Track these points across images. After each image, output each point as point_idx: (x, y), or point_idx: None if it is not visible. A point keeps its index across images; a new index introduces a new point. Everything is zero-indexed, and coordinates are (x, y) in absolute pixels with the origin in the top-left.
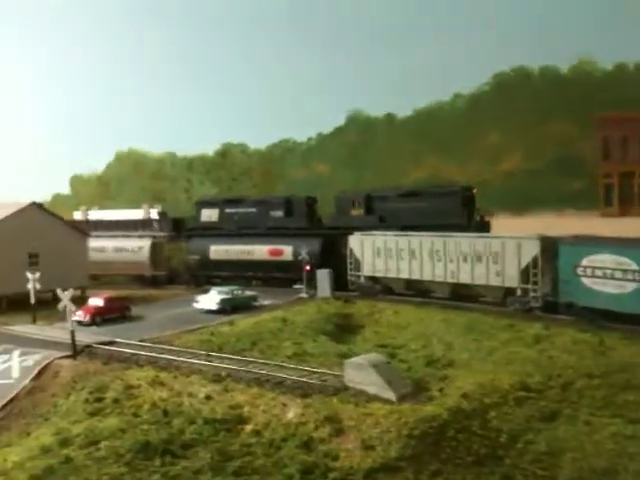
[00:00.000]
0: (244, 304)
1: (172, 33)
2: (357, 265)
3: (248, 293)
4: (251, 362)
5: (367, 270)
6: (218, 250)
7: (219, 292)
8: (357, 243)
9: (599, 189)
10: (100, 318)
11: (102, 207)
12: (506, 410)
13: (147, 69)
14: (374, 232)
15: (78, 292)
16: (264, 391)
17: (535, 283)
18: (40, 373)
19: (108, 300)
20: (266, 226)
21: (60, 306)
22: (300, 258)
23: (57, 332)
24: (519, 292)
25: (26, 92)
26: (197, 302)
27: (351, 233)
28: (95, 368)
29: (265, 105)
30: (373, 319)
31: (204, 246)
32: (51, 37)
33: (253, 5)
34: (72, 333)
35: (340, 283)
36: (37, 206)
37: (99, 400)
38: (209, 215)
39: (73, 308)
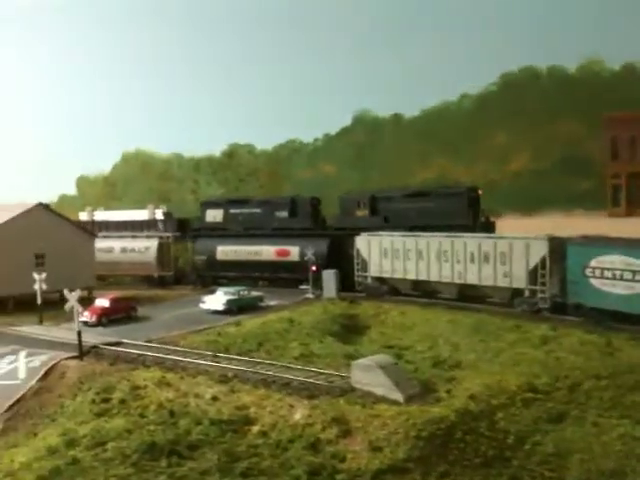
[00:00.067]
0: (250, 305)
1: (179, 33)
2: (364, 266)
3: (254, 294)
4: (258, 363)
5: (374, 271)
6: (225, 250)
7: (225, 293)
8: (364, 244)
9: (607, 189)
10: (106, 319)
11: (108, 208)
12: (513, 411)
13: (154, 70)
14: (381, 233)
15: (85, 293)
16: (271, 392)
17: (543, 284)
18: (47, 374)
19: (114, 301)
20: (271, 227)
21: (67, 307)
22: (306, 259)
23: (64, 333)
24: (527, 293)
25: (32, 93)
26: (203, 302)
27: (358, 234)
28: (102, 369)
29: (272, 106)
30: (379, 320)
31: (211, 246)
32: (57, 37)
33: (259, 5)
34: (79, 334)
35: (347, 284)
36: (44, 207)
37: (106, 401)
38: (214, 216)
39: (80, 309)
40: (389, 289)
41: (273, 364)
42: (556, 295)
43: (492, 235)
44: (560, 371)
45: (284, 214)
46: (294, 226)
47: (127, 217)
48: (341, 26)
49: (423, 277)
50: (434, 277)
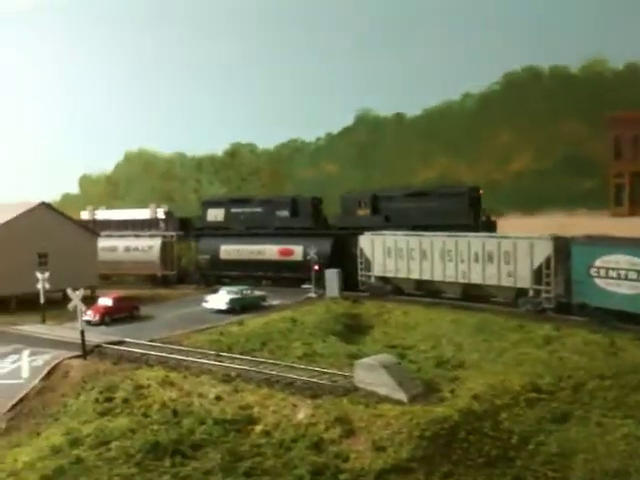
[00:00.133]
0: (253, 304)
1: (180, 33)
2: (367, 265)
3: (257, 293)
4: (261, 362)
5: (378, 270)
6: (229, 250)
7: (228, 292)
8: (367, 243)
9: (610, 189)
10: (109, 318)
11: (110, 207)
12: (517, 411)
13: (156, 69)
14: (385, 232)
15: (88, 292)
16: (274, 392)
17: (548, 284)
18: (50, 373)
19: (117, 300)
20: (272, 226)
21: (70, 306)
22: (309, 258)
23: (66, 332)
24: (531, 293)
25: (35, 93)
26: (206, 302)
27: (361, 233)
28: (105, 368)
29: (274, 105)
30: (382, 319)
31: (214, 246)
32: (58, 37)
33: (261, 5)
34: (82, 333)
35: (350, 283)
36: (46, 206)
37: (109, 400)
38: (215, 215)
39: (84, 308)
40: (393, 289)
41: (276, 363)
42: (561, 295)
43: (496, 235)
44: (564, 371)
45: (285, 214)
46: (295, 226)
47: (128, 216)
48: (342, 26)
49: (427, 277)
50: (438, 277)
